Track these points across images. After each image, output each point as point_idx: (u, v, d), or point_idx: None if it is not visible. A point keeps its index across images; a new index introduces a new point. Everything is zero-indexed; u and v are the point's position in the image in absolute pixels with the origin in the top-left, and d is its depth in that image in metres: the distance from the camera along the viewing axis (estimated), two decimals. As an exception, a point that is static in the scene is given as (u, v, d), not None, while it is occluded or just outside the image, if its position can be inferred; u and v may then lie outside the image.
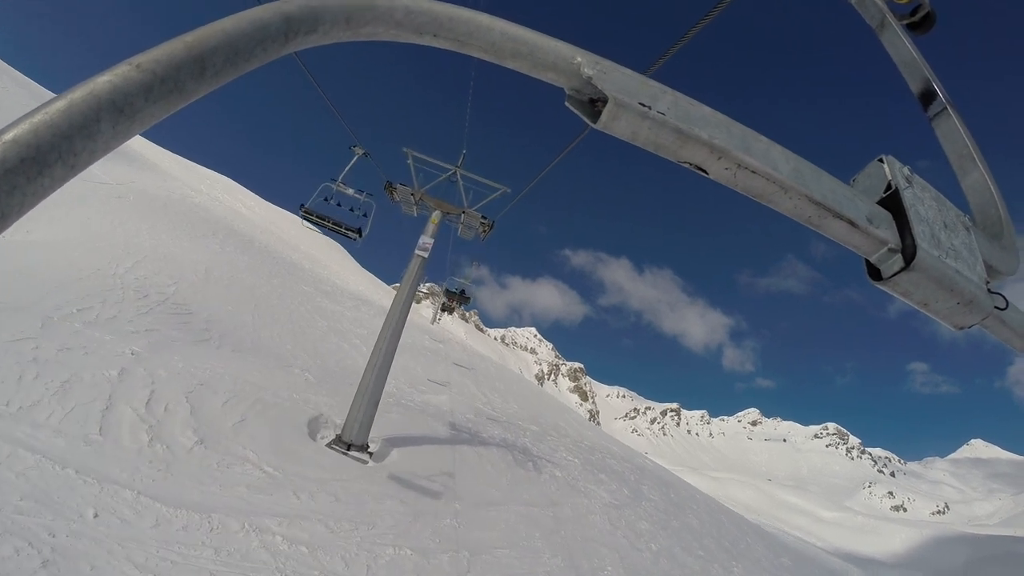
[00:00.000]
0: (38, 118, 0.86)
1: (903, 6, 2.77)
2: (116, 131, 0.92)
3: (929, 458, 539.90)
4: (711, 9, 4.65)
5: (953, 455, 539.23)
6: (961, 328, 1.86)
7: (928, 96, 2.38)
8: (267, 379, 14.22)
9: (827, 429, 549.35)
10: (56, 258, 17.63)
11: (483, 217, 14.97)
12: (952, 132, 2.28)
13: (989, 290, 1.81)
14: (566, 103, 1.52)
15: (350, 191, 14.81)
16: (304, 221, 14.82)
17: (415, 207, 14.99)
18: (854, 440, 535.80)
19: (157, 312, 16.82)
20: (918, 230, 1.68)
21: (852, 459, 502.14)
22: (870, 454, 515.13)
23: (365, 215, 14.87)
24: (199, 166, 79.89)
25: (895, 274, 1.68)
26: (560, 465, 18.09)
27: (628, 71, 1.48)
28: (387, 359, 13.09)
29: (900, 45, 2.53)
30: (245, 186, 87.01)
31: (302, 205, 14.73)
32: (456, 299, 32.18)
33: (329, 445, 11.78)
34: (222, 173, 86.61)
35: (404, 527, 9.43)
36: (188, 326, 17.05)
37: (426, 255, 13.82)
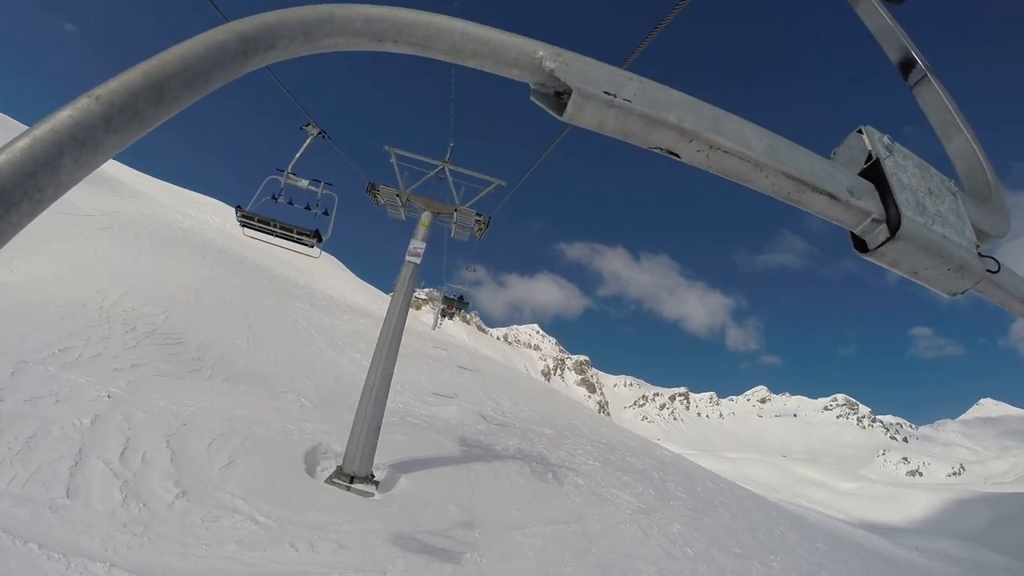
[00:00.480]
0: (2, 158, 0.88)
1: None
2: (79, 164, 0.93)
3: (940, 421, 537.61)
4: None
5: (964, 416, 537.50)
6: (954, 294, 1.87)
7: (907, 65, 2.34)
8: (259, 410, 13.32)
9: (836, 400, 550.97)
10: (39, 296, 17.24)
11: (478, 214, 13.71)
12: (934, 99, 2.25)
13: (980, 254, 1.80)
14: (531, 98, 1.50)
15: (303, 183, 11.62)
16: (245, 229, 11.53)
17: (402, 210, 13.74)
18: (864, 409, 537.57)
19: (145, 345, 16.37)
20: (902, 198, 1.67)
21: (864, 428, 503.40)
22: (881, 422, 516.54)
23: (326, 213, 11.80)
24: (187, 191, 79.27)
25: (881, 245, 1.68)
26: (581, 471, 17.03)
27: (591, 60, 1.47)
28: (385, 380, 11.91)
29: (876, 15, 2.43)
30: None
31: (239, 207, 11.28)
32: (455, 305, 31.76)
33: (330, 480, 10.74)
34: (212, 196, 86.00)
35: (419, 571, 8.34)
36: (178, 357, 16.69)
37: (418, 261, 12.50)
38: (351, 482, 10.72)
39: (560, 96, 1.46)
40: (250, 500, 8.82)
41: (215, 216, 64.72)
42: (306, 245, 11.68)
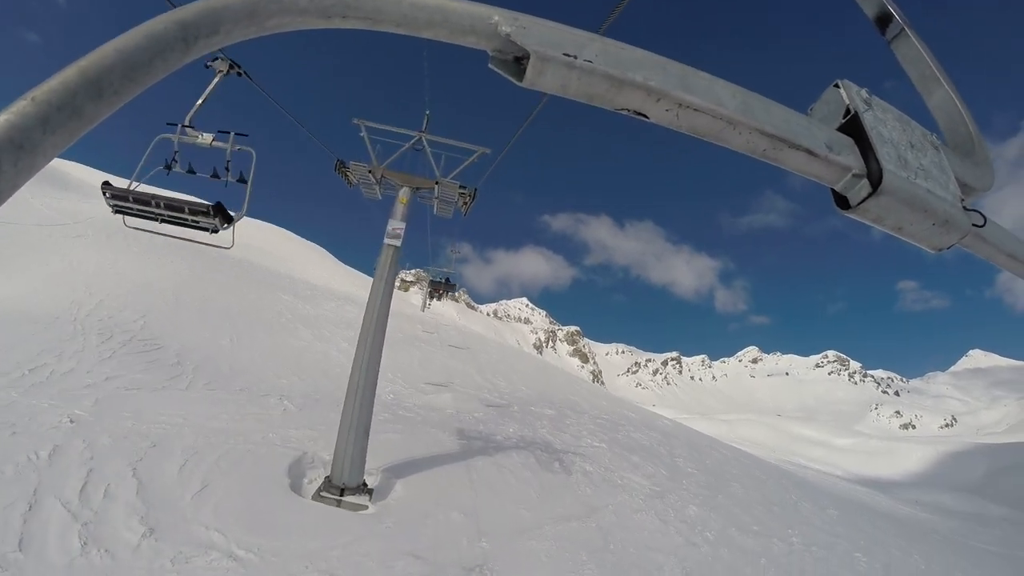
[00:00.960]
0: None
1: None
2: (19, 168, 0.92)
3: (931, 373, 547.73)
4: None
5: (953, 368, 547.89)
6: (939, 250, 1.86)
7: (884, 20, 2.33)
8: (238, 420, 12.46)
9: (827, 357, 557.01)
10: (13, 313, 16.96)
11: (461, 187, 12.46)
12: (912, 53, 2.26)
13: (965, 208, 1.80)
14: (490, 65, 1.46)
15: (205, 138, 7.95)
16: (123, 216, 8.21)
17: (377, 188, 12.63)
18: (855, 365, 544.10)
19: (121, 355, 15.85)
20: (883, 152, 1.65)
21: (855, 384, 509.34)
22: (872, 376, 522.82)
23: (242, 179, 8.30)
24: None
25: (863, 200, 1.66)
26: (588, 456, 16.38)
27: (549, 23, 1.44)
28: (371, 376, 10.83)
29: None
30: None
31: (106, 184, 7.91)
32: (442, 288, 32.21)
33: (317, 495, 9.79)
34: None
35: (422, 602, 7.46)
36: (156, 365, 16.09)
37: (398, 243, 11.40)
38: (341, 495, 9.78)
39: (520, 61, 1.43)
40: (227, 531, 7.81)
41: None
42: (205, 229, 8.10)
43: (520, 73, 1.42)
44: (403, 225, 11.53)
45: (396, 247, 11.40)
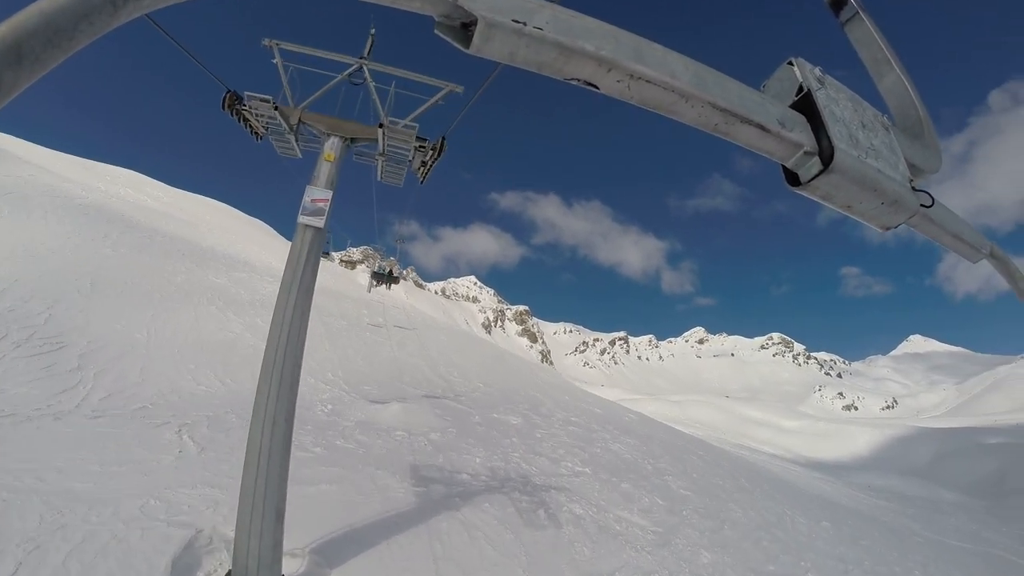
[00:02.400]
0: None
1: None
2: None
3: (872, 357, 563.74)
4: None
5: (894, 352, 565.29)
6: (888, 228, 1.88)
7: (839, 2, 2.32)
8: (114, 474, 9.26)
9: (772, 339, 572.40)
10: None
11: (420, 138, 8.83)
12: (865, 36, 2.26)
13: (914, 188, 1.84)
14: (435, 31, 1.43)
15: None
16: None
17: (293, 138, 9.03)
18: (799, 347, 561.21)
19: (12, 359, 13.96)
20: (834, 131, 1.66)
21: (799, 365, 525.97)
22: (816, 359, 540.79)
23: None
24: (101, 163, 73.19)
25: (814, 178, 1.67)
26: (573, 490, 14.21)
27: None
28: (282, 435, 7.03)
29: None
30: (157, 178, 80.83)
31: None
32: (385, 281, 31.03)
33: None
34: (129, 168, 79.98)
35: None
36: (51, 371, 14.10)
37: (320, 222, 7.85)
38: (249, 612, 6.56)
39: (467, 28, 1.38)
40: None
41: (129, 188, 59.70)
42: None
43: (467, 40, 1.38)
44: (327, 195, 7.99)
45: (317, 229, 7.86)
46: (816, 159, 1.66)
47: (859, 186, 1.67)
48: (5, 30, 0.90)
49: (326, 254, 21.46)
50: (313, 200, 8.00)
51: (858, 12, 2.29)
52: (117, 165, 78.10)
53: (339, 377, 21.00)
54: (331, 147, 8.41)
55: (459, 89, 8.82)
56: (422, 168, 9.72)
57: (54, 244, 24.69)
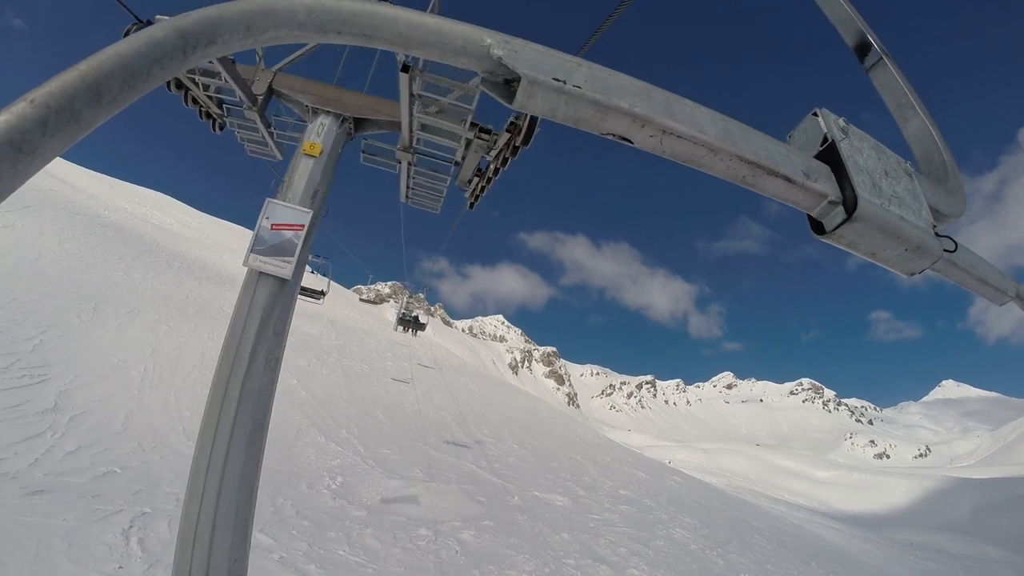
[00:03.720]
0: None
1: None
2: (17, 170, 0.93)
3: (903, 403, 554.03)
4: None
5: (926, 398, 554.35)
6: (912, 274, 1.91)
7: (863, 48, 2.40)
8: None
9: (801, 385, 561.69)
10: None
11: (482, 129, 6.09)
12: (889, 82, 2.32)
13: (937, 234, 1.87)
14: (480, 86, 1.64)
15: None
16: None
17: (258, 117, 6.74)
18: (829, 393, 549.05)
19: None
20: (858, 180, 1.72)
21: (829, 412, 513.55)
22: (846, 405, 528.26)
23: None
24: (128, 183, 74.02)
25: (838, 226, 1.72)
26: None
27: (540, 47, 1.48)
28: None
29: (833, 1, 2.51)
30: (186, 203, 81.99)
31: None
32: (411, 326, 30.34)
33: None
34: (157, 190, 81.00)
35: None
36: (20, 411, 12.39)
37: (285, 272, 4.87)
38: None
39: (509, 84, 1.46)
40: None
41: (155, 210, 60.03)
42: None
43: (510, 96, 1.46)
44: (304, 219, 5.11)
45: (284, 281, 4.93)
46: (840, 208, 1.71)
47: (882, 233, 1.72)
48: (85, 70, 0.98)
49: (315, 297, 18.32)
50: (275, 227, 5.01)
51: (882, 58, 2.37)
52: (148, 187, 79.40)
53: (354, 436, 18.85)
54: (318, 133, 5.81)
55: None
56: (476, 181, 6.98)
57: (63, 264, 23.59)
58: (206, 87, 6.64)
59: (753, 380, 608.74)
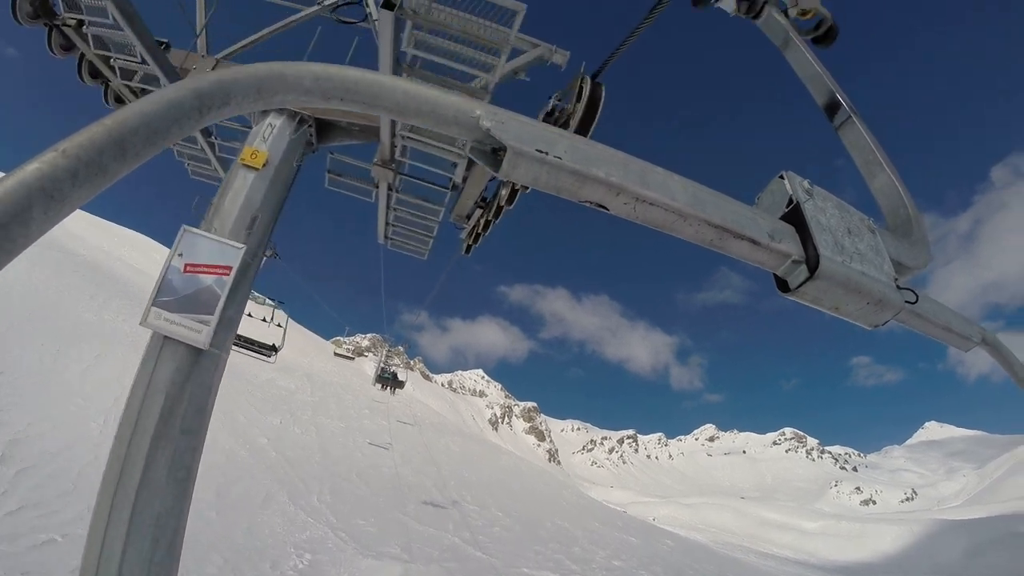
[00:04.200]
0: None
1: (807, 22, 3.22)
2: (47, 217, 0.99)
3: (887, 447, 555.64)
4: (612, 53, 4.10)
5: (909, 441, 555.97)
6: (876, 326, 1.99)
7: (833, 107, 2.64)
8: None
9: (784, 434, 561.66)
10: None
11: (479, 146, 2.67)
12: (858, 139, 2.53)
13: (898, 286, 1.96)
14: (469, 154, 1.70)
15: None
16: None
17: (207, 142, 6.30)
18: (812, 441, 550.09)
19: None
20: (820, 239, 1.81)
21: (813, 460, 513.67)
22: (830, 452, 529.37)
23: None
24: (107, 221, 72.96)
25: (802, 284, 1.81)
26: None
27: (525, 119, 1.59)
28: None
29: (804, 61, 2.78)
30: (166, 245, 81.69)
31: None
32: (389, 385, 29.72)
33: None
34: (142, 232, 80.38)
35: None
36: None
37: (200, 340, 3.72)
38: None
39: (496, 153, 1.55)
40: None
41: (135, 251, 59.32)
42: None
43: (497, 164, 1.54)
44: (233, 260, 3.87)
45: (200, 350, 3.79)
46: (803, 267, 1.80)
47: (844, 289, 1.80)
48: (111, 125, 1.06)
49: (264, 354, 16.62)
50: (190, 268, 3.76)
51: (851, 116, 2.55)
52: (127, 226, 78.38)
53: (327, 504, 17.41)
54: (264, 137, 4.66)
55: (561, 58, 5.31)
56: (479, 214, 5.88)
57: (31, 301, 22.28)
58: (127, 74, 5.47)
59: (735, 432, 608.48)
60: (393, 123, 5.15)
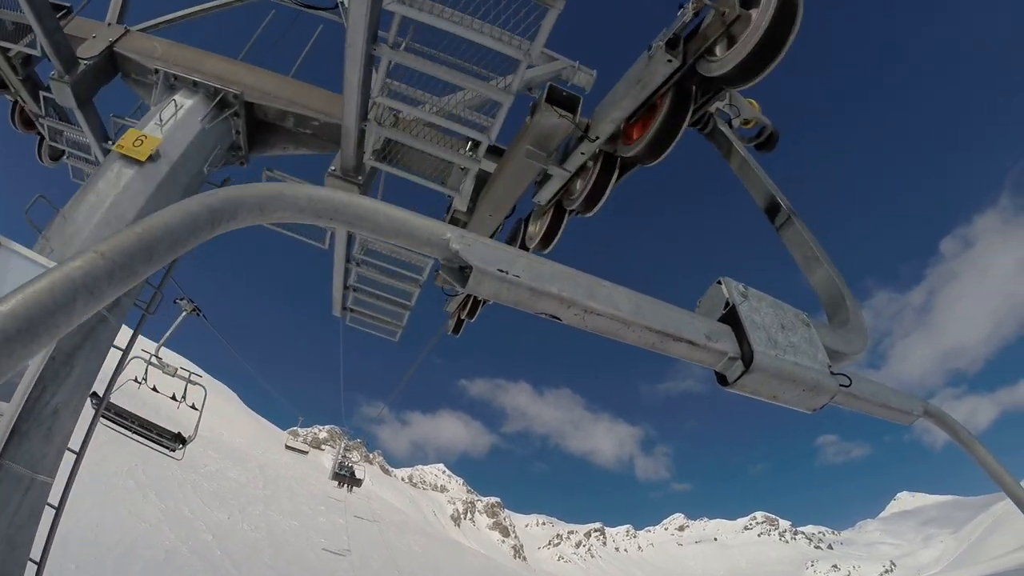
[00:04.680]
0: (29, 297, 1.04)
1: (749, 131, 3.48)
2: (86, 308, 1.12)
3: (861, 522, 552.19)
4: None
5: (883, 514, 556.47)
6: (814, 410, 2.17)
7: (773, 209, 2.82)
8: None
9: (755, 519, 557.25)
10: None
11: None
12: (797, 238, 2.71)
13: (832, 372, 2.13)
14: (440, 271, 1.72)
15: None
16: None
17: (75, 108, 4.77)
18: (784, 523, 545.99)
19: None
20: (754, 337, 2.00)
21: (787, 542, 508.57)
22: (803, 533, 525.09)
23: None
24: None
25: (739, 378, 1.99)
26: None
27: (490, 242, 1.78)
28: None
29: (747, 168, 2.96)
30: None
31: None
32: (347, 482, 29.65)
33: None
34: None
35: None
36: None
37: None
38: None
39: (463, 270, 1.73)
40: None
41: None
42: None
43: (464, 280, 1.73)
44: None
45: None
46: (739, 362, 1.99)
47: (779, 379, 1.99)
48: (141, 232, 1.20)
49: (167, 445, 14.46)
50: None
51: (790, 217, 2.77)
52: None
53: None
54: (160, 120, 3.90)
55: (586, 79, 4.88)
56: (458, 312, 5.50)
57: None
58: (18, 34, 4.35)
59: (705, 519, 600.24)
60: (362, 129, 4.16)
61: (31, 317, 1.02)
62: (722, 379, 2.07)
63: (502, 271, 1.73)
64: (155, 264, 1.22)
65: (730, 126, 3.48)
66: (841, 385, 2.13)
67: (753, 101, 3.62)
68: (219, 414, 56.63)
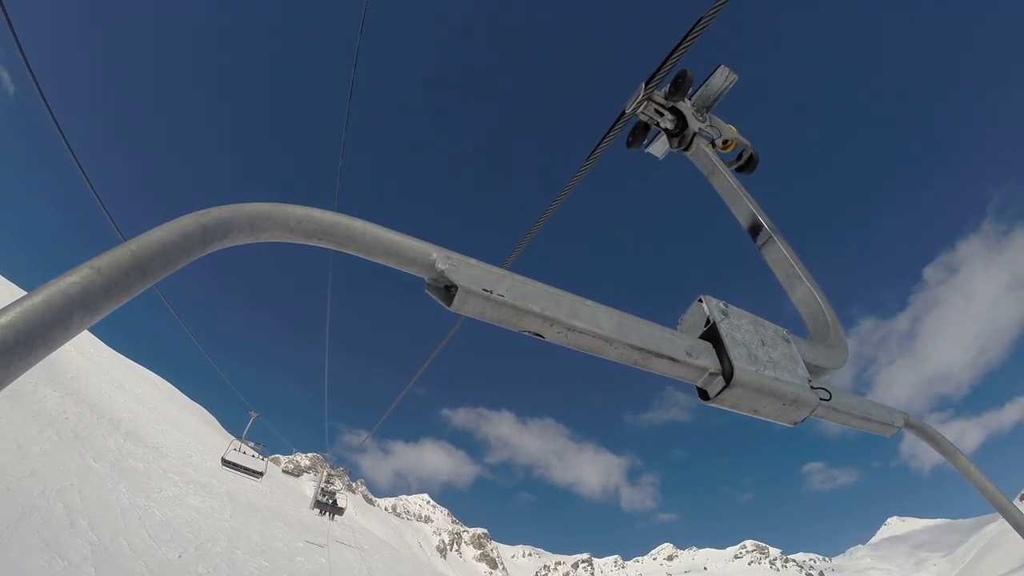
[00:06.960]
0: (26, 310, 1.18)
1: (730, 155, 3.66)
2: (82, 322, 1.19)
3: (851, 548, 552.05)
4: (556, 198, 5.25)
5: (873, 540, 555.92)
6: (795, 424, 2.24)
7: (755, 229, 2.94)
8: None
9: (745, 547, 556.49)
10: None
11: None
12: (778, 256, 2.83)
13: (812, 386, 2.21)
14: (426, 291, 1.82)
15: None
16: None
17: None
18: (774, 551, 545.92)
19: None
20: (734, 353, 2.08)
21: (778, 570, 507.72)
22: (794, 560, 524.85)
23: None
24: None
25: (719, 392, 2.05)
26: None
27: (474, 261, 1.83)
28: None
29: (729, 187, 3.11)
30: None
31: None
32: (328, 511, 29.63)
33: None
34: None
35: None
36: None
37: None
38: None
39: (449, 289, 1.78)
40: None
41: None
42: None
43: (449, 299, 1.77)
44: None
45: None
46: (720, 377, 2.05)
47: (759, 394, 2.06)
48: (135, 249, 1.25)
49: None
50: None
51: (772, 236, 2.84)
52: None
53: None
54: None
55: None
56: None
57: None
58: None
59: (694, 549, 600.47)
60: None
61: (29, 329, 1.15)
62: (703, 394, 2.13)
63: (487, 291, 1.76)
64: (148, 280, 1.26)
65: (712, 146, 3.59)
66: (821, 399, 2.20)
67: (732, 125, 3.74)
68: (193, 436, 55.23)
